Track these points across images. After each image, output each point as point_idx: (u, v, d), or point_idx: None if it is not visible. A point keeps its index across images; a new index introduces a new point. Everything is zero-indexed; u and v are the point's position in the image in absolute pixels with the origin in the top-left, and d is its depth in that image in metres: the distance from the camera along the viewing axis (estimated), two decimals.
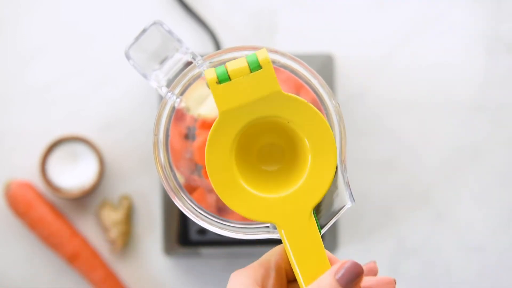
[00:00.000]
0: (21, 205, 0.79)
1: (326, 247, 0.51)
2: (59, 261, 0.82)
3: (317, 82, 0.61)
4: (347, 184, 0.58)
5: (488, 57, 0.84)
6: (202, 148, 0.67)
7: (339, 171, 0.59)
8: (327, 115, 0.61)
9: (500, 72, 0.84)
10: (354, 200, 0.58)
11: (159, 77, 0.61)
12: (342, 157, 0.60)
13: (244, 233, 0.60)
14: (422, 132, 0.83)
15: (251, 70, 0.50)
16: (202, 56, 0.62)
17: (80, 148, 0.80)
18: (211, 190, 0.67)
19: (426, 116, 0.83)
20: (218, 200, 0.67)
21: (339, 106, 0.61)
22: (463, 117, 0.83)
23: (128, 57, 0.60)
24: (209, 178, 0.51)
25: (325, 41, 0.83)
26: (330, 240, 0.79)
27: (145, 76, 0.61)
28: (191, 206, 0.61)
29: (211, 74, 0.51)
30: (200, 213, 0.61)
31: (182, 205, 0.60)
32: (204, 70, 0.58)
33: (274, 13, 0.84)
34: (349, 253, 0.82)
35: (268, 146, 0.53)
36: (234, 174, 0.51)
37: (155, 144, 0.62)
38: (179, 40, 0.60)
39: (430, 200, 0.83)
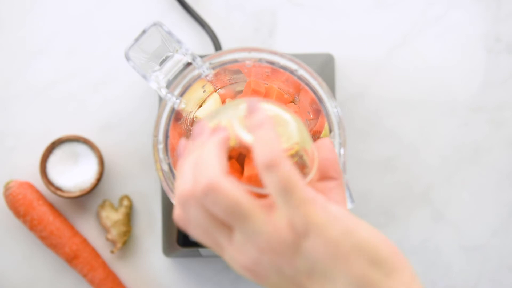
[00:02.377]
0: (21, 205, 0.79)
1: None
2: (59, 261, 0.82)
3: (316, 83, 0.61)
4: (347, 186, 0.58)
5: (488, 57, 0.84)
6: None
7: None
8: (327, 116, 0.61)
9: (500, 72, 0.84)
10: (354, 200, 0.58)
11: (159, 78, 0.61)
12: (342, 158, 0.60)
13: None
14: (422, 132, 0.83)
15: None
16: (201, 57, 0.62)
17: (80, 148, 0.80)
18: None
19: (426, 116, 0.83)
20: None
21: (338, 107, 0.61)
22: (463, 117, 0.83)
23: (128, 58, 0.60)
24: None
25: (325, 41, 0.83)
26: None
27: (145, 77, 0.61)
28: None
29: None
30: None
31: None
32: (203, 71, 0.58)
33: (274, 14, 0.84)
34: None
35: None
36: None
37: (155, 144, 0.62)
38: (178, 41, 0.60)
39: (430, 200, 0.83)
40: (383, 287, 0.43)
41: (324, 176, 0.50)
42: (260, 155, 0.43)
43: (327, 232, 0.43)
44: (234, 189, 0.43)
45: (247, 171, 0.66)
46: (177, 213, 0.46)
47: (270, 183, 0.43)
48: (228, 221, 0.43)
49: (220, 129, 0.47)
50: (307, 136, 0.51)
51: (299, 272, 0.43)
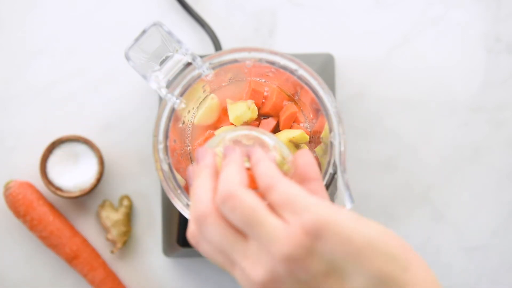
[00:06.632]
0: (21, 205, 0.79)
1: None
2: (59, 261, 0.82)
3: (316, 83, 0.61)
4: (347, 186, 0.58)
5: (488, 57, 0.84)
6: None
7: (338, 172, 0.59)
8: (327, 116, 0.61)
9: (500, 72, 0.84)
10: (353, 201, 0.58)
11: (159, 78, 0.61)
12: (342, 158, 0.60)
13: None
14: (422, 132, 0.83)
15: None
16: (201, 57, 0.62)
17: (80, 148, 0.80)
18: None
19: (426, 116, 0.83)
20: None
21: (338, 107, 0.61)
22: (463, 117, 0.83)
23: (128, 58, 0.60)
24: None
25: (325, 41, 0.83)
26: None
27: (145, 77, 0.61)
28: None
29: None
30: None
31: (181, 206, 0.60)
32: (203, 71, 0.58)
33: (274, 14, 0.84)
34: None
35: None
36: None
37: (155, 145, 0.62)
38: (178, 41, 0.60)
39: (430, 200, 0.83)
40: (401, 281, 0.44)
41: (305, 178, 0.53)
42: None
43: (339, 230, 0.44)
44: (250, 197, 0.45)
45: None
46: (191, 231, 0.49)
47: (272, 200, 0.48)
48: (244, 229, 0.46)
49: (233, 149, 0.51)
50: (286, 150, 0.56)
51: (315, 275, 0.44)
